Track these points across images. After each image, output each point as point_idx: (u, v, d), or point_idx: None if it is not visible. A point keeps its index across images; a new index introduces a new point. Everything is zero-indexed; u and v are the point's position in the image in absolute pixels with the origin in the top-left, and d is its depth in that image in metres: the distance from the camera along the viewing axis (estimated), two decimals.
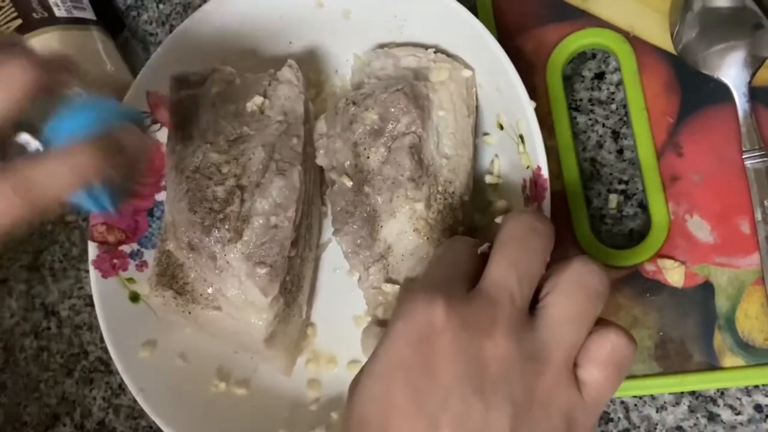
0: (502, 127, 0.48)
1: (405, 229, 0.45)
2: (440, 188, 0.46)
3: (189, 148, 0.48)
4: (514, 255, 0.35)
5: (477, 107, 0.49)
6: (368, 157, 0.46)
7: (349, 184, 0.46)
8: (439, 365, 0.32)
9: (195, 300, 0.48)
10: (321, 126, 0.49)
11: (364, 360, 0.47)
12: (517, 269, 0.35)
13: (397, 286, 0.45)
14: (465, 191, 0.47)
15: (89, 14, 0.64)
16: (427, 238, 0.45)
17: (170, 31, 0.52)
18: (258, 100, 0.48)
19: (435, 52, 0.48)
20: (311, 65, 0.55)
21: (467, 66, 0.48)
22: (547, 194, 0.42)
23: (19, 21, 0.60)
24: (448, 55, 0.49)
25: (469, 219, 0.50)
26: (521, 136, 0.45)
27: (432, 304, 0.33)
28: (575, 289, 0.35)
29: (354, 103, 0.47)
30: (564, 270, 0.36)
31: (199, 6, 0.52)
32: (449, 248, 0.39)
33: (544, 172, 0.42)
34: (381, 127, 0.46)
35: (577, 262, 0.36)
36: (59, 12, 0.61)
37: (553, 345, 0.34)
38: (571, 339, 0.34)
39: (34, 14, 0.60)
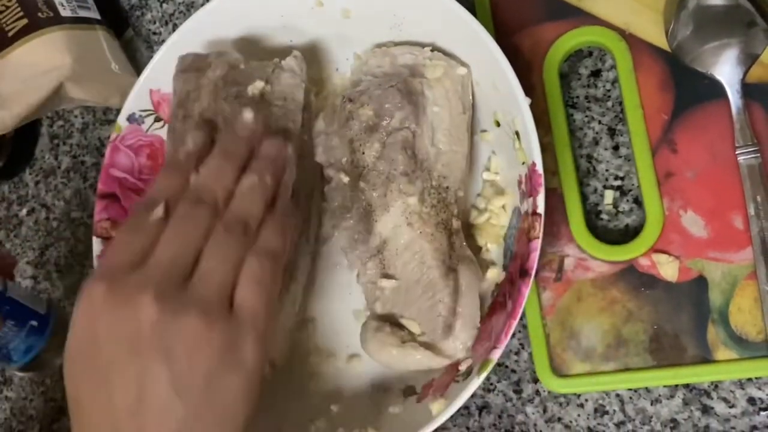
0: (499, 124, 0.49)
1: (399, 223, 0.46)
2: (434, 183, 0.46)
3: (188, 126, 0.48)
4: (175, 232, 0.39)
5: (474, 104, 0.49)
6: (363, 153, 0.47)
7: (346, 179, 0.47)
8: (100, 337, 0.37)
9: None
10: (320, 123, 0.50)
11: (363, 354, 0.48)
12: (174, 245, 0.38)
13: (394, 281, 0.46)
14: (460, 186, 0.47)
15: (94, 13, 0.65)
16: (420, 232, 0.46)
17: (174, 30, 0.53)
18: (259, 84, 0.48)
19: (432, 50, 0.49)
20: (311, 64, 0.55)
21: (463, 64, 0.49)
22: (542, 189, 0.43)
23: (25, 21, 0.61)
24: (445, 53, 0.49)
25: (467, 215, 0.51)
26: (517, 133, 0.45)
27: (94, 285, 0.37)
28: (219, 243, 0.39)
29: (350, 100, 0.48)
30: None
31: (202, 5, 0.53)
32: (133, 229, 0.41)
33: (539, 168, 0.43)
34: (376, 123, 0.47)
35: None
36: (64, 11, 0.62)
37: (199, 293, 0.37)
38: (216, 282, 0.38)
39: (40, 14, 0.61)
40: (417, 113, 0.47)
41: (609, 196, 0.51)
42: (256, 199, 0.41)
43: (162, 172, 0.43)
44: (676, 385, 0.48)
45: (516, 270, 0.44)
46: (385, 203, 0.46)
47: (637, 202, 0.51)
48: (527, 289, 0.42)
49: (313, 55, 0.55)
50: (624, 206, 0.51)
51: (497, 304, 0.46)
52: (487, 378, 0.51)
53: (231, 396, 0.37)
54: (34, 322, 0.57)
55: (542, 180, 0.43)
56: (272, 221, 0.41)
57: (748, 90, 0.48)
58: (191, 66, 0.50)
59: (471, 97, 0.49)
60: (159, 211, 0.39)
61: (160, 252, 0.38)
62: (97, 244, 0.53)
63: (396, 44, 0.51)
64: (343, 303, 0.52)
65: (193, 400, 0.36)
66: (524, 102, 0.44)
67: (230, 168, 0.42)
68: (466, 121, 0.48)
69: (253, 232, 0.40)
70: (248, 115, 0.43)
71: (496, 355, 0.42)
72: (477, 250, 0.50)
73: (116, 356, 0.36)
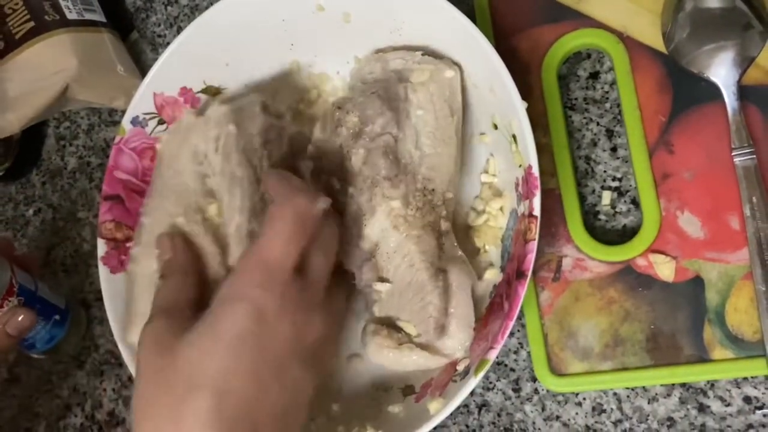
0: (496, 127, 0.49)
1: (385, 226, 0.46)
2: (419, 186, 0.47)
3: None
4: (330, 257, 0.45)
5: (467, 106, 0.50)
6: (351, 159, 0.48)
7: (337, 185, 0.48)
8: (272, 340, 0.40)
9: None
10: (317, 131, 0.51)
11: (363, 354, 0.49)
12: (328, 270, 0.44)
13: (389, 285, 0.47)
14: (448, 188, 0.48)
15: (99, 16, 0.65)
16: (407, 235, 0.46)
17: (178, 33, 0.54)
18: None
19: (423, 54, 0.50)
20: (312, 67, 0.56)
21: (455, 66, 0.49)
22: (538, 192, 0.43)
23: (32, 23, 0.62)
24: (441, 56, 0.50)
25: (463, 216, 0.51)
26: (514, 136, 0.46)
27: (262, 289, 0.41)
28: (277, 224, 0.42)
29: (339, 108, 0.49)
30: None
31: (206, 9, 0.53)
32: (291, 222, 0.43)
33: (535, 171, 0.44)
34: (360, 129, 0.48)
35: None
36: (70, 14, 0.63)
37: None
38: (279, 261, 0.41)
39: (46, 17, 0.62)
40: (398, 118, 0.47)
41: (607, 196, 0.52)
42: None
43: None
44: (673, 384, 0.49)
45: (513, 271, 0.45)
46: (371, 207, 0.47)
47: (635, 202, 0.51)
48: (524, 290, 0.43)
49: (313, 59, 0.56)
50: (621, 207, 0.51)
51: (494, 304, 0.46)
52: (487, 377, 0.52)
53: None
54: (57, 316, 0.61)
55: (538, 183, 0.43)
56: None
57: (744, 92, 0.48)
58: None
59: (460, 100, 0.49)
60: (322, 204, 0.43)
61: (316, 267, 0.43)
62: (101, 245, 0.54)
63: (394, 49, 0.52)
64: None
65: None
66: (521, 106, 0.44)
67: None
68: (453, 124, 0.49)
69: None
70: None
71: (492, 355, 0.43)
72: (475, 251, 0.50)
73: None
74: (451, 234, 0.48)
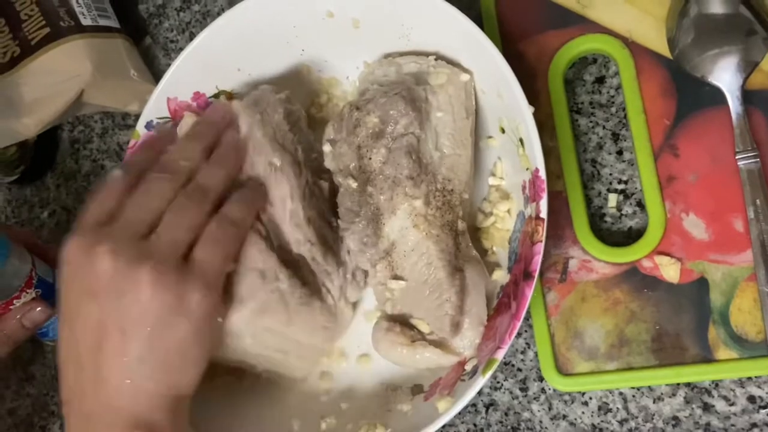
0: (504, 131, 0.50)
1: (405, 225, 0.47)
2: (438, 186, 0.48)
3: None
4: (139, 196, 0.44)
5: (477, 110, 0.51)
6: (370, 159, 0.48)
7: (354, 185, 0.49)
8: (68, 285, 0.43)
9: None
10: (329, 131, 0.51)
11: (373, 353, 0.50)
12: (137, 206, 0.44)
13: (403, 282, 0.48)
14: (464, 189, 0.49)
15: (113, 22, 0.66)
16: (426, 234, 0.47)
17: (190, 38, 0.55)
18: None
19: (435, 59, 0.50)
20: (322, 72, 0.57)
21: (466, 71, 0.50)
22: (545, 195, 0.44)
23: (47, 29, 0.63)
24: (451, 62, 0.51)
25: (473, 218, 0.52)
26: (521, 140, 0.47)
27: (70, 240, 0.43)
28: (179, 205, 0.44)
29: (357, 108, 0.49)
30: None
31: (218, 14, 0.54)
32: (106, 189, 0.46)
33: (542, 174, 0.44)
34: (381, 130, 0.48)
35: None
36: (85, 20, 0.64)
37: (153, 247, 0.42)
38: (170, 238, 0.43)
39: (62, 23, 0.63)
40: (421, 119, 0.48)
41: (612, 199, 0.52)
42: (217, 172, 0.47)
43: (136, 150, 0.51)
44: (678, 384, 0.50)
45: (520, 272, 0.46)
46: (392, 206, 0.47)
47: (640, 205, 0.52)
48: (530, 291, 0.44)
49: (323, 64, 0.57)
50: (627, 209, 0.52)
51: (502, 305, 0.47)
52: (494, 376, 0.53)
53: (178, 339, 0.42)
54: None
55: (545, 186, 0.44)
56: (237, 194, 0.47)
57: (748, 96, 0.49)
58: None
59: (474, 103, 0.50)
60: (126, 177, 0.45)
61: (124, 213, 0.43)
62: None
63: (402, 54, 0.53)
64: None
65: (143, 342, 0.41)
66: (528, 110, 0.45)
67: (197, 146, 0.47)
68: (469, 126, 0.50)
69: (212, 200, 0.45)
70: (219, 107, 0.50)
71: (500, 354, 0.44)
72: (483, 252, 0.51)
73: (79, 303, 0.42)
74: (466, 234, 0.49)
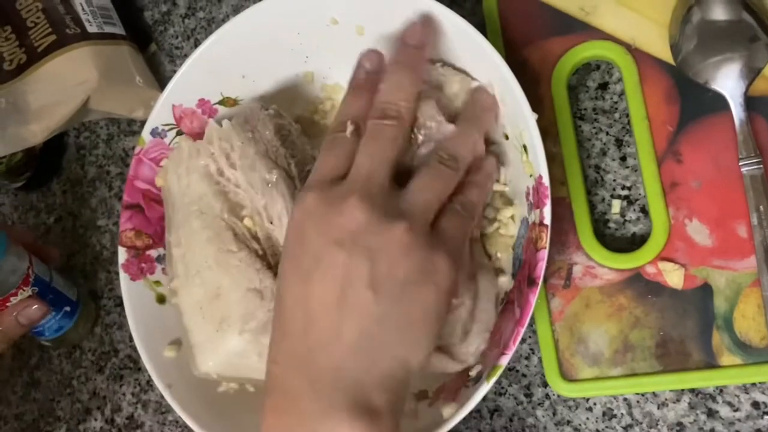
0: (507, 137, 0.50)
1: None
2: None
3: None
4: (370, 146, 0.43)
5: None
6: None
7: None
8: (308, 236, 0.40)
9: None
10: None
11: None
12: (371, 157, 0.42)
13: None
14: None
15: (119, 29, 0.67)
16: None
17: (195, 45, 0.55)
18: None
19: (442, 65, 0.51)
20: (327, 78, 0.58)
21: (474, 77, 0.50)
22: (548, 201, 0.44)
23: (54, 37, 0.63)
24: (456, 68, 0.51)
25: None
26: (525, 146, 0.47)
27: (305, 195, 0.42)
28: (432, 170, 0.43)
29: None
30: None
31: (223, 21, 0.55)
32: (331, 146, 0.45)
33: (545, 181, 0.44)
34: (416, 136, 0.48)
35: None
36: (91, 28, 0.65)
37: (407, 206, 0.41)
38: (425, 201, 0.41)
39: (68, 30, 0.63)
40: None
41: (616, 205, 0.53)
42: (468, 145, 0.46)
43: (346, 96, 0.48)
44: (682, 390, 0.50)
45: (524, 278, 0.46)
46: None
47: (644, 211, 0.52)
48: (534, 297, 0.44)
49: (328, 71, 0.57)
50: (631, 215, 0.52)
51: (506, 311, 0.47)
52: (499, 382, 0.53)
53: (422, 307, 0.39)
54: (67, 308, 0.63)
55: (549, 192, 0.44)
56: (479, 174, 0.46)
57: (751, 103, 0.49)
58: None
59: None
60: (350, 128, 0.44)
61: (358, 166, 0.42)
62: (122, 253, 0.55)
63: None
64: None
65: (389, 303, 0.38)
66: (531, 117, 0.45)
67: (408, 80, 0.46)
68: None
69: (463, 171, 0.44)
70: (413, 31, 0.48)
71: (504, 360, 0.44)
72: (487, 258, 0.51)
73: (322, 252, 0.39)
74: (479, 242, 0.49)
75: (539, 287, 0.44)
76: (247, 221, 0.50)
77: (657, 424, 0.50)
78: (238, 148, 0.51)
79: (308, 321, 0.39)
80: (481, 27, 0.52)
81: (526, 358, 0.53)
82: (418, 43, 0.47)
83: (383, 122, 0.44)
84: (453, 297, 0.42)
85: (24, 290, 0.58)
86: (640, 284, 0.50)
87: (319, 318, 0.39)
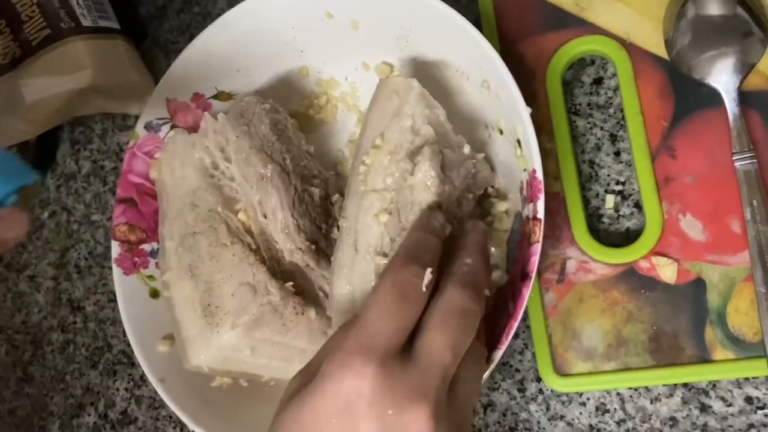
0: (501, 132, 0.50)
1: None
2: None
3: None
4: (456, 332, 0.36)
5: (471, 112, 0.52)
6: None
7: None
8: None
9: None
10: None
11: None
12: (453, 350, 0.35)
13: None
14: None
15: (114, 23, 0.67)
16: None
17: (190, 39, 0.55)
18: None
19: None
20: (321, 73, 0.58)
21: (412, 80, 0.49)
22: (542, 195, 0.44)
23: (48, 31, 0.63)
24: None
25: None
26: (518, 141, 0.47)
27: (363, 364, 0.33)
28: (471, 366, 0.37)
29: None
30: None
31: (218, 16, 0.55)
32: (394, 284, 0.36)
33: (539, 175, 0.44)
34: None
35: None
36: (86, 22, 0.64)
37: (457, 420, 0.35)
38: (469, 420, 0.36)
39: (62, 24, 0.63)
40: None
41: (610, 200, 0.53)
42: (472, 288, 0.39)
43: (417, 232, 0.41)
44: (675, 384, 0.50)
45: (517, 273, 0.46)
46: None
47: (638, 206, 0.52)
48: (528, 291, 0.44)
49: (322, 65, 0.57)
50: (625, 210, 0.52)
51: (499, 305, 0.47)
52: (492, 377, 0.53)
53: None
54: None
55: (542, 186, 0.44)
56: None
57: (744, 97, 0.49)
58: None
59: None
60: (428, 278, 0.36)
61: (436, 353, 0.34)
62: (115, 247, 0.55)
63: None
64: None
65: None
66: (525, 111, 0.45)
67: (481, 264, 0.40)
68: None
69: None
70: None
71: (498, 355, 0.44)
72: None
73: None
74: None
75: (532, 281, 0.44)
76: (241, 215, 0.50)
77: (650, 419, 0.50)
78: (234, 141, 0.51)
79: None
80: (476, 22, 0.52)
81: (520, 353, 0.53)
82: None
83: (471, 304, 0.36)
84: None
85: None
86: (634, 279, 0.50)
87: None
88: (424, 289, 0.36)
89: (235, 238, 0.50)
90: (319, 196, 0.53)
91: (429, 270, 0.37)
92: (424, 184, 0.46)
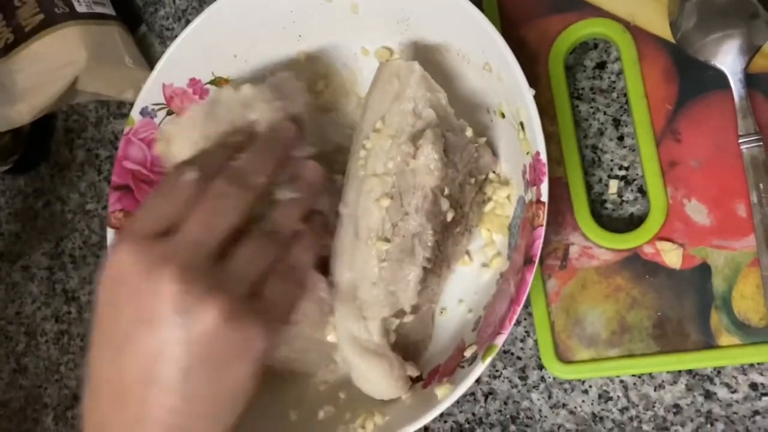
0: (503, 116, 0.49)
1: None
2: None
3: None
4: (208, 210, 0.40)
5: (472, 95, 0.51)
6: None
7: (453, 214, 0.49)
8: (120, 308, 0.38)
9: None
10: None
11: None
12: (205, 224, 0.39)
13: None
14: None
15: (109, 9, 0.66)
16: None
17: (186, 26, 0.54)
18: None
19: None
20: (320, 58, 0.57)
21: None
22: (546, 178, 0.43)
23: (42, 16, 0.62)
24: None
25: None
26: (522, 123, 0.46)
27: (120, 247, 0.38)
28: (257, 242, 0.41)
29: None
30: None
31: (214, 1, 0.54)
32: (166, 191, 0.41)
33: (543, 157, 0.44)
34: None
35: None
36: (80, 7, 0.63)
37: (226, 278, 0.38)
38: (248, 275, 0.40)
39: (56, 9, 0.62)
40: None
41: (614, 185, 0.52)
42: (295, 213, 0.44)
43: (202, 150, 0.45)
44: (680, 371, 0.49)
45: (520, 258, 0.45)
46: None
47: (642, 191, 0.51)
48: (531, 276, 0.43)
49: (321, 50, 0.56)
50: (628, 195, 0.52)
51: (501, 291, 0.47)
52: (493, 365, 0.52)
53: (236, 383, 0.38)
54: None
55: (546, 169, 0.44)
56: (306, 237, 0.44)
57: (750, 80, 0.48)
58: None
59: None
60: (193, 174, 0.40)
61: (190, 225, 0.39)
62: (111, 235, 0.54)
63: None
64: None
65: (200, 384, 0.37)
66: (528, 92, 0.44)
67: (270, 161, 0.43)
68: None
69: (287, 242, 0.43)
70: (288, 124, 0.46)
71: (500, 340, 0.43)
72: (482, 240, 0.51)
73: (133, 327, 0.37)
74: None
75: (536, 265, 0.43)
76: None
77: (654, 406, 0.49)
78: (266, 111, 0.48)
79: (117, 396, 0.38)
80: (478, 4, 0.51)
81: (521, 340, 0.53)
82: (289, 139, 0.46)
83: (230, 188, 0.40)
84: (265, 362, 0.40)
85: None
86: (638, 264, 0.50)
87: (128, 395, 0.37)
88: (179, 181, 0.40)
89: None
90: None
91: (195, 169, 0.41)
92: (427, 168, 0.45)
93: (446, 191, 0.46)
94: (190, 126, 0.49)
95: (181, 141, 0.49)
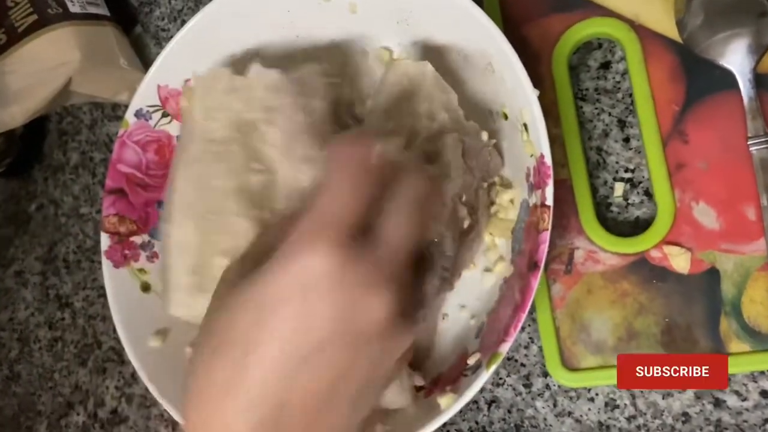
0: (506, 117, 0.48)
1: None
2: None
3: None
4: (414, 211, 0.34)
5: (474, 97, 0.50)
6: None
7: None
8: (318, 323, 0.30)
9: None
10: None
11: None
12: (409, 231, 0.33)
13: None
14: None
15: (103, 10, 0.65)
16: None
17: (182, 26, 0.53)
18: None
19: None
20: (317, 59, 0.55)
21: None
22: (551, 181, 0.42)
23: (35, 17, 0.61)
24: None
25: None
26: (525, 125, 0.45)
27: (318, 243, 0.30)
28: None
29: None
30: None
31: (210, 1, 0.53)
32: (363, 178, 0.33)
33: (548, 160, 0.43)
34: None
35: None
36: (74, 8, 0.62)
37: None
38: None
39: (50, 10, 0.61)
40: None
41: (619, 188, 0.51)
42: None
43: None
44: None
45: (525, 263, 0.44)
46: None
47: (648, 194, 0.50)
48: (536, 282, 0.42)
49: (319, 50, 0.55)
50: (634, 198, 0.50)
51: (506, 297, 0.46)
52: (497, 372, 0.51)
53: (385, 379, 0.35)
54: None
55: (551, 171, 0.43)
56: None
57: (760, 80, 0.47)
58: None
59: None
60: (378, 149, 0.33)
61: (393, 233, 0.33)
62: (105, 239, 0.53)
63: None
64: None
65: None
66: (532, 93, 0.43)
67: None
68: None
69: None
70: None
71: (504, 348, 0.42)
72: (485, 245, 0.50)
73: (337, 358, 0.31)
74: None
75: (541, 271, 0.42)
76: (261, 185, 0.46)
77: (662, 415, 0.48)
78: (286, 109, 0.46)
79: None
80: (479, 3, 0.50)
81: (525, 347, 0.52)
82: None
83: (428, 192, 0.35)
84: None
85: None
86: (645, 269, 0.48)
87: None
88: (374, 162, 0.33)
89: (251, 206, 0.45)
90: None
91: (378, 145, 0.34)
92: (448, 175, 0.44)
93: (464, 197, 0.45)
94: (207, 89, 0.47)
95: (198, 103, 0.47)
